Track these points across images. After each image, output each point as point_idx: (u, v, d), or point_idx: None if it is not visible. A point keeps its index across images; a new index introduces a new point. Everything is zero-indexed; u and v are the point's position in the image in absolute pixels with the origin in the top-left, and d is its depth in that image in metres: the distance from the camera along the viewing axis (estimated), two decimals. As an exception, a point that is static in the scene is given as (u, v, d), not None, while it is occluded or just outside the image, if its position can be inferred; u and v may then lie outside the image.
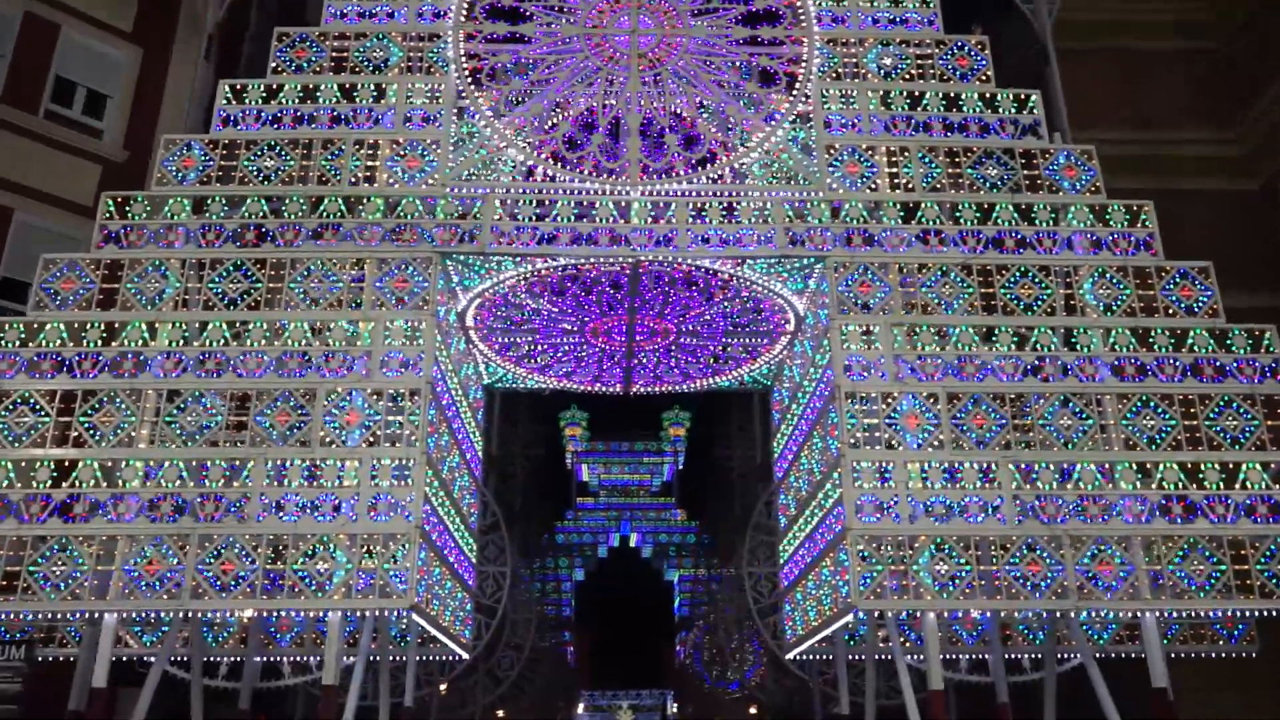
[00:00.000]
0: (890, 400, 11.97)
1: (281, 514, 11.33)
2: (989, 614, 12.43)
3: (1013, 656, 14.84)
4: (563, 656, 52.35)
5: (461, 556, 14.51)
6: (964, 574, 11.29)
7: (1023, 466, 11.74)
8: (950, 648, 14.99)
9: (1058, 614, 12.35)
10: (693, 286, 13.55)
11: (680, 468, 59.67)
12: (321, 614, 11.66)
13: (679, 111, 13.39)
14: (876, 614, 12.26)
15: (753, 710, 44.86)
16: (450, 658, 22.01)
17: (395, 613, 11.37)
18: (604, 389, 16.22)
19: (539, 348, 15.28)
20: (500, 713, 37.03)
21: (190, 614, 11.55)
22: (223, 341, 12.03)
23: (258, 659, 14.64)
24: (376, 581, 11.10)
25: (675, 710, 73.06)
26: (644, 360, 15.71)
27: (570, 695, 62.47)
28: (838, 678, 14.90)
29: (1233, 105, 19.89)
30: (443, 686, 26.71)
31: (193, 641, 13.23)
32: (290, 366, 11.95)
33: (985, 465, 11.73)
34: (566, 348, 15.31)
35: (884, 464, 11.70)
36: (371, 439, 11.68)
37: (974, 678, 16.12)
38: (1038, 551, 11.41)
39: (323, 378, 11.88)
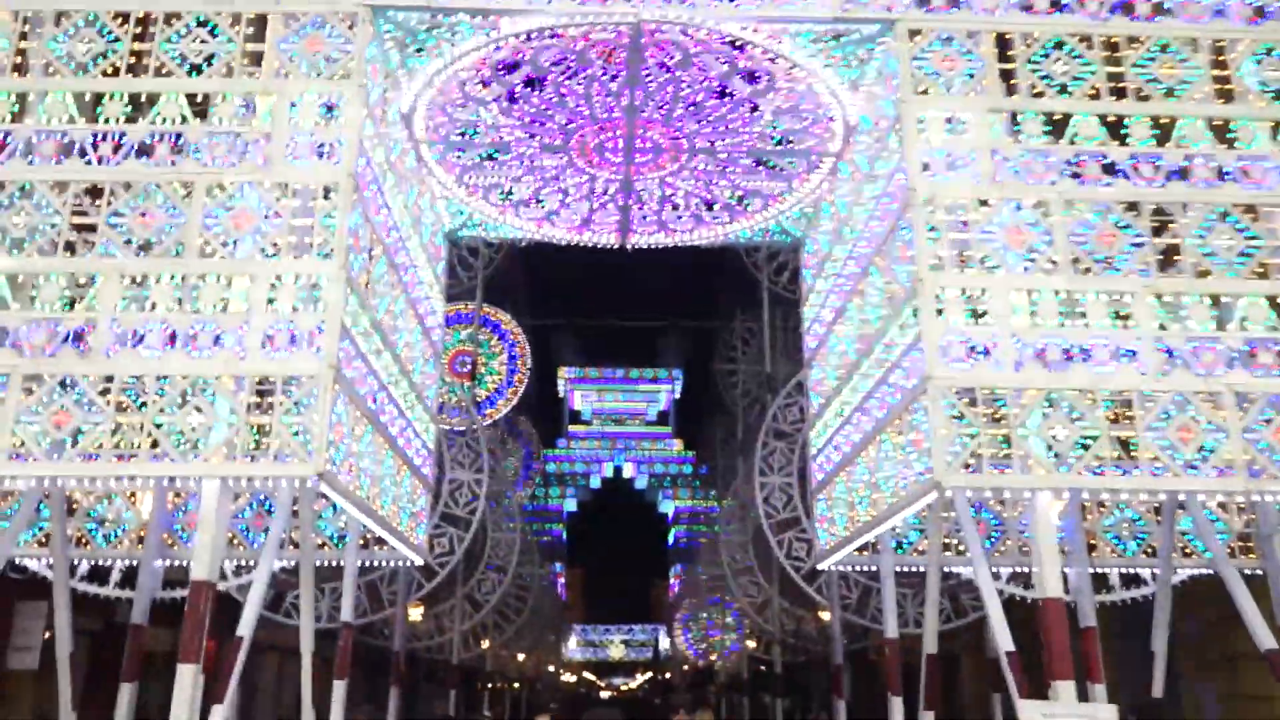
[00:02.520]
0: (986, 209, 8.56)
1: (141, 348, 7.97)
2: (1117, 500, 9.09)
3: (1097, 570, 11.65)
4: (553, 588, 49.57)
5: (411, 437, 11.18)
6: (1090, 441, 7.98)
7: (1167, 299, 8.39)
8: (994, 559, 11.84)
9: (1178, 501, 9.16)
10: (711, 82, 10.07)
11: (677, 396, 56.46)
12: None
13: None
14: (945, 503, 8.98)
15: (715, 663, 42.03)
16: (416, 571, 18.92)
17: (300, 484, 8.00)
18: (595, 239, 12.76)
19: (512, 172, 11.78)
20: (485, 642, 34.08)
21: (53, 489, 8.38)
22: (67, 118, 8.55)
23: (159, 562, 11.43)
24: (271, 440, 7.77)
25: (668, 645, 70.80)
26: (646, 197, 12.24)
27: (560, 628, 59.91)
28: (882, 597, 11.65)
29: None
30: (417, 612, 23.68)
31: (54, 537, 9.96)
32: (159, 153, 8.49)
33: (1116, 296, 8.36)
34: (548, 174, 11.81)
35: (978, 293, 8.33)
36: (269, 250, 8.28)
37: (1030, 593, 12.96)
38: (1189, 412, 8.11)
39: (204, 167, 8.43)
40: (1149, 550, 11.74)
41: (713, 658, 43.90)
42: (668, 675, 71.45)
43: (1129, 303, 8.32)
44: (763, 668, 36.09)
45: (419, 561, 11.85)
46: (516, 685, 52.68)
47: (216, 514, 7.66)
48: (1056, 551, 7.86)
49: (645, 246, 12.95)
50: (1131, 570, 12.05)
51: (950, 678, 25.78)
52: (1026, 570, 12.43)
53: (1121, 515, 11.94)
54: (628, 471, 53.42)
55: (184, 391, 7.89)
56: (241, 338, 7.97)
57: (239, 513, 11.62)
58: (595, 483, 52.54)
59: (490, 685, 43.39)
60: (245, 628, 8.28)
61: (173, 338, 7.99)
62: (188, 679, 7.28)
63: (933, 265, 8.32)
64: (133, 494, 11.34)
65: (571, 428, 52.03)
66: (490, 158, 11.63)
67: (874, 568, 12.42)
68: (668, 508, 53.30)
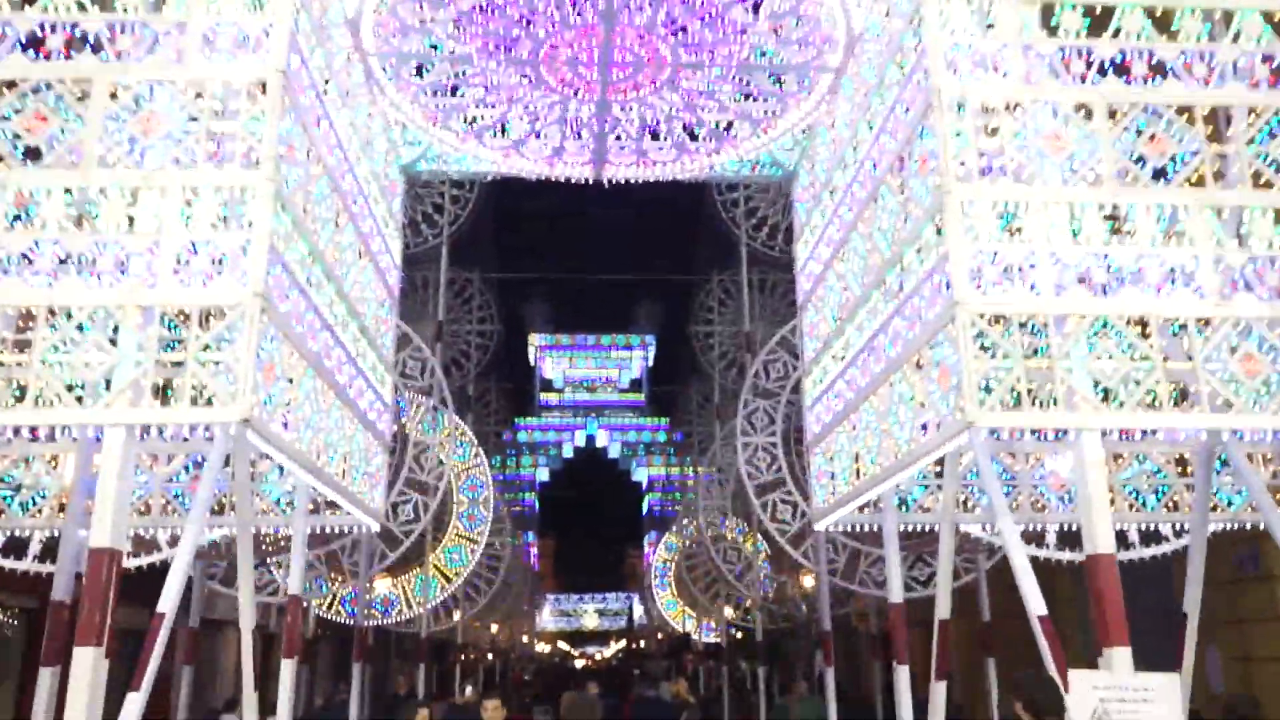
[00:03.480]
0: (1019, 112, 7.39)
1: (30, 274, 6.64)
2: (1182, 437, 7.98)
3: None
4: (525, 558, 48.47)
5: (363, 388, 9.91)
6: (1141, 373, 6.88)
7: (1226, 213, 7.29)
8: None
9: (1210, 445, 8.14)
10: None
11: (650, 363, 55.33)
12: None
13: None
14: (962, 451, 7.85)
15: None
16: (380, 540, 17.68)
17: (227, 431, 6.73)
18: (567, 171, 11.46)
19: (475, 94, 10.44)
20: (456, 615, 32.94)
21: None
22: (-63, 4, 7.15)
23: (83, 532, 10.12)
24: (185, 382, 6.48)
25: (642, 614, 70.09)
26: (624, 122, 10.96)
27: (533, 598, 58.88)
28: (886, 559, 10.54)
29: None
30: (384, 584, 22.47)
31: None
32: (50, 45, 7.11)
33: (1169, 210, 7.24)
34: (516, 96, 10.49)
35: (1012, 208, 7.18)
36: (185, 159, 6.96)
37: (1065, 553, 11.97)
38: (1253, 339, 7.04)
39: (104, 62, 7.07)
40: (1170, 505, 10.79)
41: (689, 627, 43.08)
42: (642, 643, 70.83)
43: (1183, 218, 7.20)
44: (738, 635, 35.31)
45: (375, 527, 10.63)
46: (490, 657, 51.71)
47: (120, 469, 6.37)
48: (1106, 500, 6.76)
49: (622, 181, 11.68)
50: (1150, 527, 11.12)
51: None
52: (1039, 529, 11.44)
53: (1140, 467, 10.96)
54: (601, 440, 52.38)
55: (80, 325, 6.59)
56: (150, 262, 6.65)
57: (174, 476, 10.36)
58: (568, 451, 51.46)
59: (463, 658, 42.34)
60: (166, 602, 7.02)
61: (66, 262, 6.66)
62: (86, 664, 6.02)
63: (962, 176, 7.14)
64: (54, 457, 10.01)
65: (543, 395, 50.88)
66: (451, 77, 10.31)
67: (874, 528, 11.34)
68: (641, 476, 52.34)
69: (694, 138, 11.45)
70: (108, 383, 6.59)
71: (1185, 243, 7.16)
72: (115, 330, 6.62)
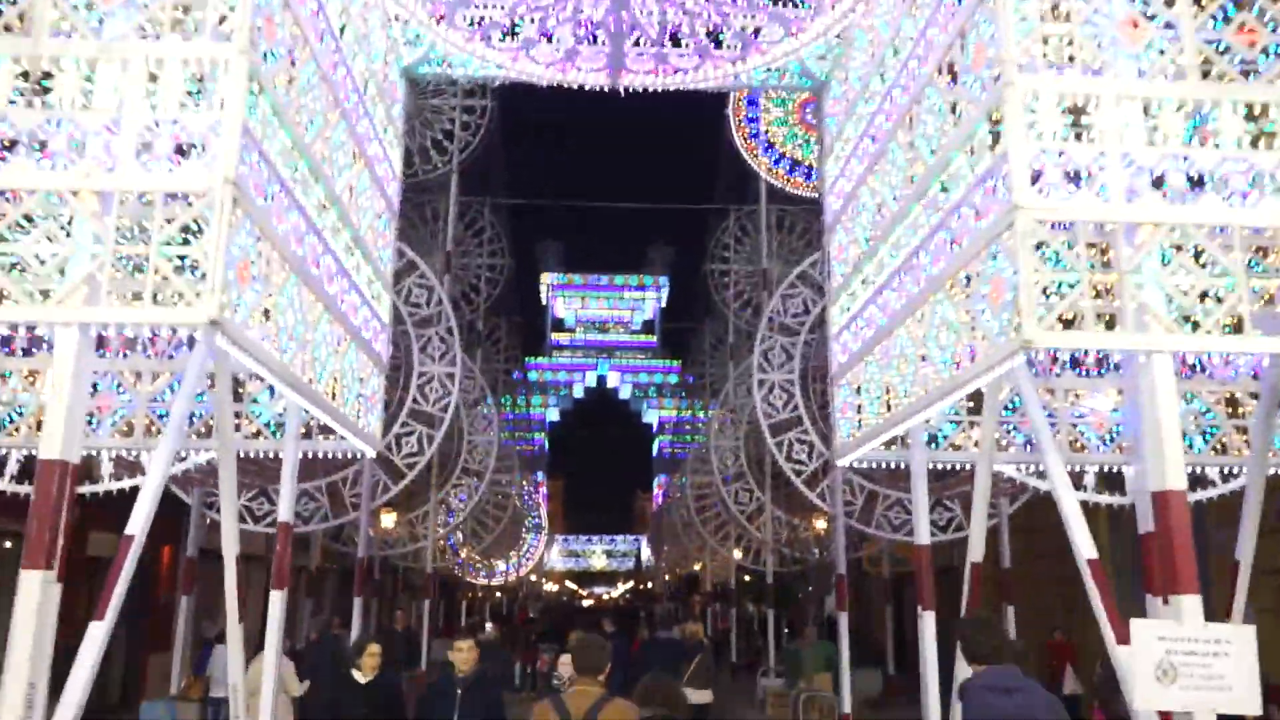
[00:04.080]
0: (1091, -5, 6.50)
1: (-26, 155, 5.90)
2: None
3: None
4: (533, 497, 48.23)
5: (357, 303, 9.17)
6: (1223, 292, 6.08)
7: (1323, 113, 6.42)
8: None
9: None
10: None
11: (663, 305, 54.43)
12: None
13: None
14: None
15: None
16: (381, 471, 17.13)
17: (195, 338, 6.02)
18: (581, 78, 10.58)
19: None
20: (464, 551, 32.66)
21: None
22: None
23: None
24: (149, 276, 5.76)
25: (650, 556, 70.16)
26: (643, 20, 10.05)
27: (542, 538, 58.86)
28: (913, 499, 9.83)
29: None
30: (389, 519, 21.97)
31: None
32: (-1, -103, 6.28)
33: (1256, 109, 6.38)
34: (525, -9, 9.60)
35: (1079, 100, 6.33)
36: (149, 29, 6.16)
37: (1115, 498, 11.29)
38: (1349, 257, 6.23)
39: (58, -82, 6.25)
40: (1218, 448, 10.07)
41: (697, 566, 42.84)
42: (650, 584, 71.00)
43: (1274, 117, 6.34)
44: (746, 578, 34.96)
45: (371, 453, 9.97)
46: (499, 595, 51.77)
47: (74, 373, 5.67)
48: (1178, 432, 5.99)
49: (640, 89, 10.78)
50: (1197, 469, 10.40)
51: (953, 590, 24.55)
52: (1078, 470, 10.72)
53: (1188, 407, 10.21)
54: (612, 381, 51.78)
55: (30, 213, 5.86)
56: (109, 143, 5.88)
57: (160, 395, 9.71)
58: (579, 392, 50.91)
59: (470, 595, 42.29)
60: (136, 524, 6.39)
61: (16, 143, 5.90)
62: (34, 588, 5.39)
63: (1023, 66, 6.28)
64: (32, 372, 9.38)
65: (554, 335, 50.14)
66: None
67: (894, 467, 10.63)
68: (652, 418, 51.80)
69: (718, 44, 10.54)
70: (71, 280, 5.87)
71: (1275, 146, 6.31)
72: (70, 218, 5.87)
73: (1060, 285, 6.04)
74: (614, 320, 51.88)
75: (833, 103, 10.72)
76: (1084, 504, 10.88)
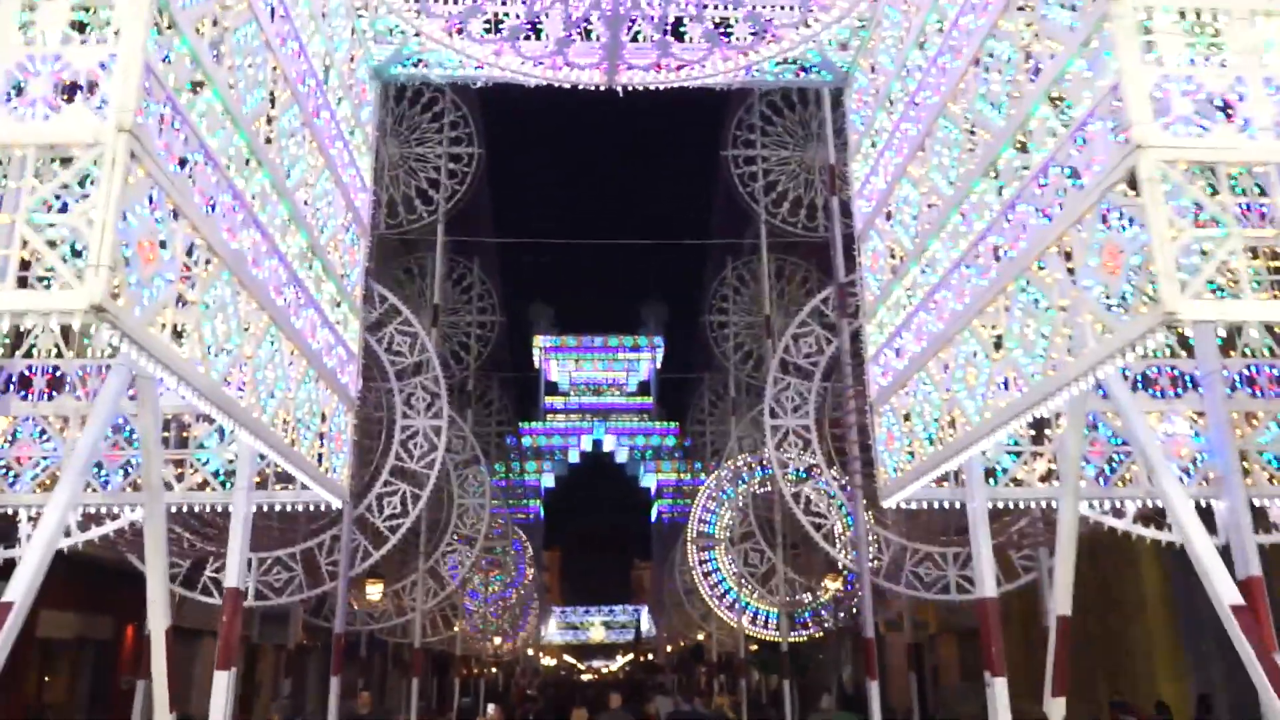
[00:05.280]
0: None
1: None
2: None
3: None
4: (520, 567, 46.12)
5: (317, 324, 7.72)
6: None
7: None
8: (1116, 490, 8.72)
9: None
10: None
11: (658, 365, 53.01)
12: None
13: None
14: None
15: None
16: (362, 537, 15.47)
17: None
18: (573, 76, 9.31)
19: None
20: (457, 625, 30.60)
21: None
22: None
23: None
24: (13, 251, 4.32)
25: (650, 625, 67.55)
26: (643, 6, 8.80)
27: (539, 610, 56.45)
28: (973, 545, 8.25)
29: None
30: (376, 590, 20.16)
31: None
32: None
33: None
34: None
35: (1209, 20, 5.00)
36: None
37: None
38: None
39: None
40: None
41: (701, 635, 40.68)
42: (650, 656, 68.28)
43: None
44: (753, 647, 32.97)
45: (336, 503, 8.40)
46: (494, 670, 49.30)
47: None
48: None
49: (640, 87, 9.52)
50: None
51: (974, 655, 22.68)
52: (1158, 505, 9.19)
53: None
54: (608, 445, 50.14)
55: None
56: (-30, 85, 4.50)
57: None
58: (574, 456, 49.23)
59: (464, 671, 39.99)
60: (17, 589, 4.89)
61: None
62: None
63: (1132, -22, 4.96)
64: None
65: (548, 398, 48.57)
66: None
67: (954, 503, 9.11)
68: (650, 481, 49.97)
69: (727, 35, 9.31)
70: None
71: None
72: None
73: (1202, 242, 4.63)
74: (608, 382, 50.46)
75: (858, 96, 9.44)
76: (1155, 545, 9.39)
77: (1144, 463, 5.51)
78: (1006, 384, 6.33)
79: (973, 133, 6.71)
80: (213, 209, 5.55)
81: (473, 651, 38.12)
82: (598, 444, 51.16)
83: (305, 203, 7.25)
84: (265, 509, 8.80)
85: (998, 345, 6.33)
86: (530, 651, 60.96)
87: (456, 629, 30.21)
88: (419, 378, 15.89)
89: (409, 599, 20.91)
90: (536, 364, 51.83)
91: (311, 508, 9.49)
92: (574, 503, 56.92)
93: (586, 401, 49.83)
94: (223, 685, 7.55)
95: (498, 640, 40.77)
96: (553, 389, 50.84)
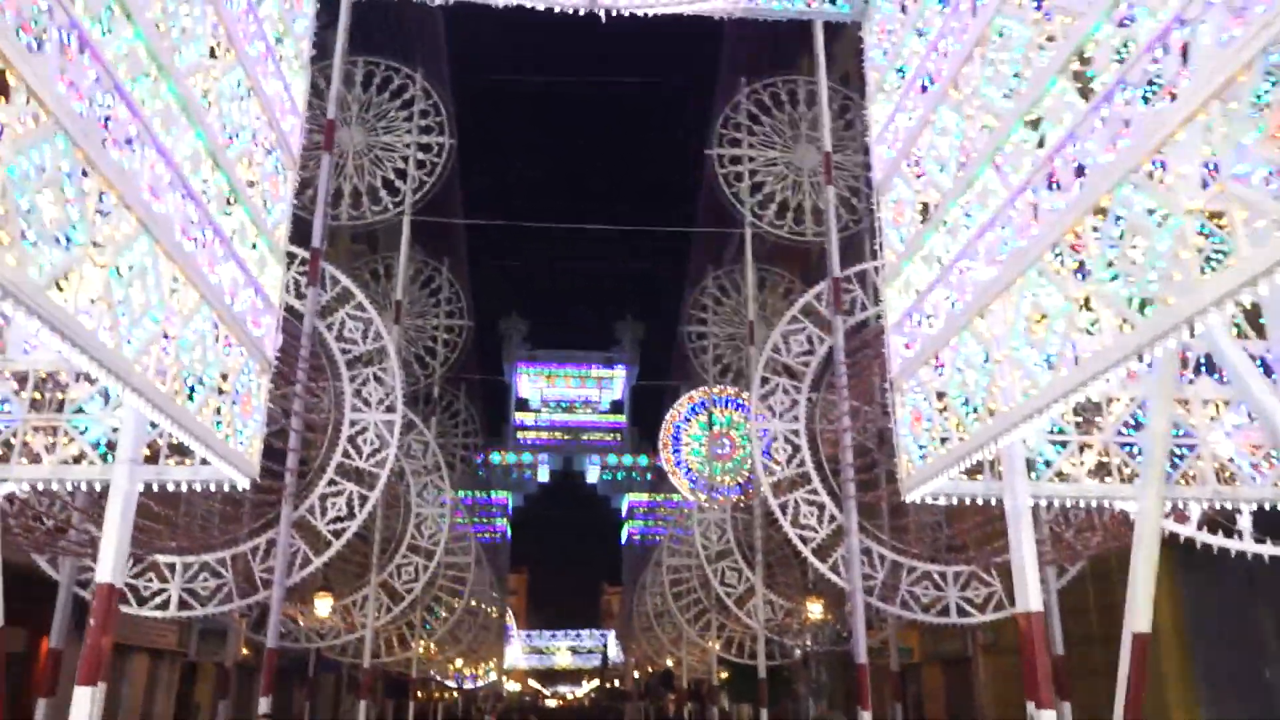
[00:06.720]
0: None
1: None
2: None
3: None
4: (495, 586, 44.20)
5: (220, 257, 6.13)
6: None
7: None
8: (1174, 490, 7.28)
9: None
10: None
11: (633, 383, 51.42)
12: None
13: None
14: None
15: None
16: (297, 547, 13.74)
17: None
18: (560, 3, 7.86)
19: None
20: (417, 644, 28.66)
21: None
22: None
23: None
24: None
25: (618, 652, 65.45)
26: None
27: (501, 634, 54.30)
28: (1012, 551, 6.78)
29: None
30: (325, 604, 18.34)
31: None
32: None
33: None
34: None
35: None
36: None
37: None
38: None
39: None
40: None
41: (670, 662, 38.89)
42: (617, 682, 66.12)
43: None
44: (723, 674, 31.29)
45: (242, 483, 6.76)
46: (454, 694, 47.12)
47: None
48: None
49: (627, 14, 8.08)
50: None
51: (964, 684, 21.19)
52: (1225, 506, 7.74)
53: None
54: (579, 464, 48.42)
55: None
56: None
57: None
58: (543, 475, 47.43)
59: (420, 694, 37.93)
60: None
61: None
62: None
63: None
64: None
65: (518, 414, 46.75)
66: None
67: (988, 499, 7.61)
68: (622, 503, 48.22)
69: (729, -45, 7.92)
70: None
71: None
72: None
73: None
74: (581, 400, 48.80)
75: (880, 26, 8.04)
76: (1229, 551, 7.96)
77: (1269, 429, 4.07)
78: (1090, 331, 4.86)
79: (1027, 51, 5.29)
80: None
81: (431, 675, 36.08)
82: (569, 462, 49.32)
83: (204, 94, 5.69)
84: (158, 488, 7.13)
85: (1081, 274, 4.85)
86: (493, 676, 58.70)
87: (413, 650, 28.27)
88: (371, 368, 14.27)
89: (359, 615, 19.10)
90: (506, 379, 50.06)
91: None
92: (542, 523, 54.97)
93: (558, 419, 48.04)
94: (85, 705, 5.90)
95: (459, 663, 38.80)
96: (523, 405, 49.06)
